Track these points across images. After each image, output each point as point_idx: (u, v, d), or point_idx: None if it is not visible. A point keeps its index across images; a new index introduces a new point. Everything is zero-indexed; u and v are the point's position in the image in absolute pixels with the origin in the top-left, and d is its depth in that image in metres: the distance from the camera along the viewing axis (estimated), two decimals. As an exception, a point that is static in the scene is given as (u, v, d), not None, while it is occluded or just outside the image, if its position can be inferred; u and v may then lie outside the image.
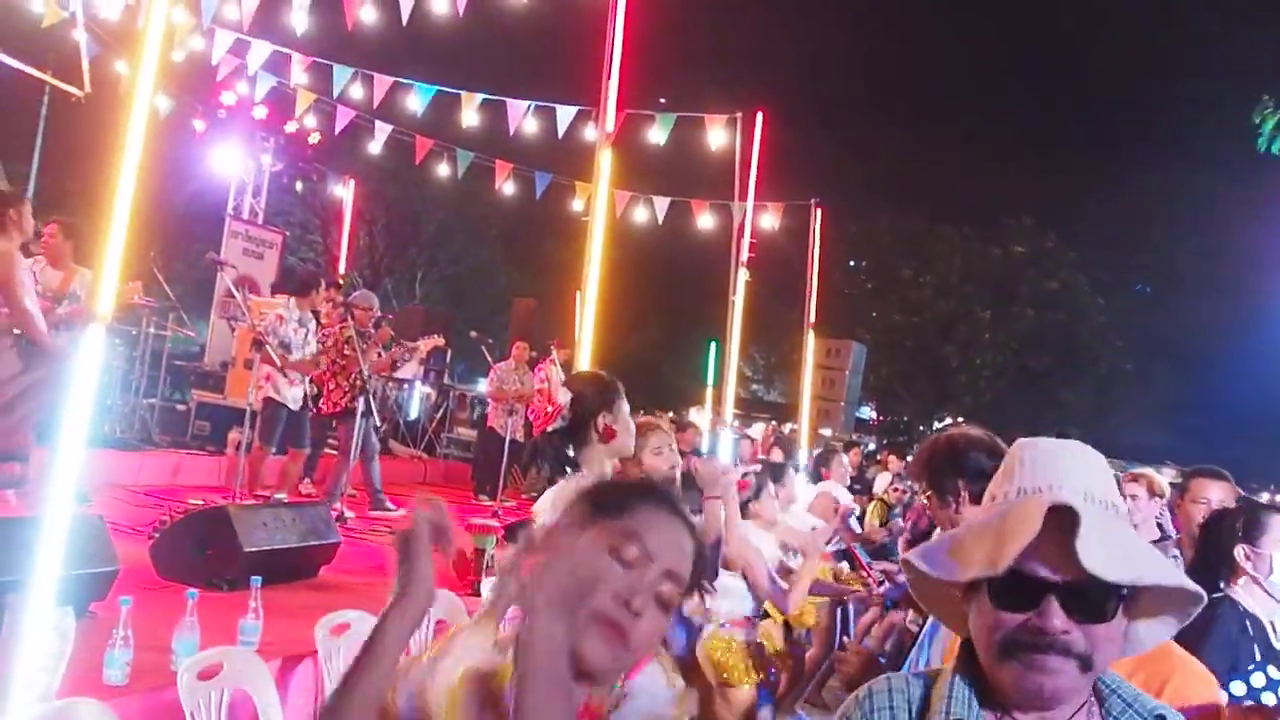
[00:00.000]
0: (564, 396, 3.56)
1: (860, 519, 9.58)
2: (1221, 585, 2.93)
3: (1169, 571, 1.38)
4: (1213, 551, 3.13)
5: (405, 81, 13.22)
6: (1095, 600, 1.33)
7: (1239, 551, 2.70)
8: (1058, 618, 1.31)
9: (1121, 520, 1.42)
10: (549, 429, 3.62)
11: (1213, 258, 29.87)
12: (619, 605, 1.41)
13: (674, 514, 1.53)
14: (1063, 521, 1.31)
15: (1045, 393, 32.77)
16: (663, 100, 14.96)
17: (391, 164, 16.86)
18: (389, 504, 9.39)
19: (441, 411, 15.38)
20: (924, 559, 1.44)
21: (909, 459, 12.36)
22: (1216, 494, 4.44)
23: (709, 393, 16.25)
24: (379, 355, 9.87)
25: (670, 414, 14.69)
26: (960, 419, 30.42)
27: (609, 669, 1.43)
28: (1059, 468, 1.43)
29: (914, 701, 1.43)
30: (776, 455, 11.57)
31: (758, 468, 6.36)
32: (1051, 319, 35.24)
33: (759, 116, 15.51)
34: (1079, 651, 1.32)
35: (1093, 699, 1.40)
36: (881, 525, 9.94)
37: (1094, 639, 1.33)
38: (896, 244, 35.66)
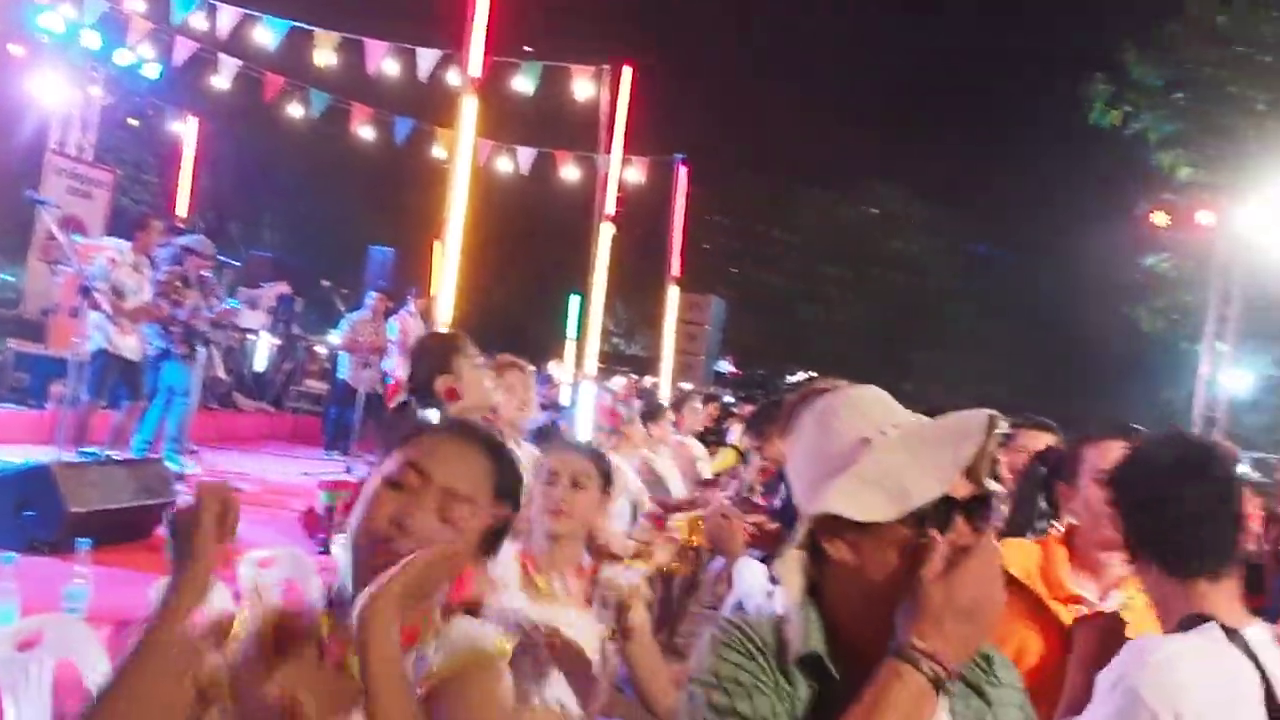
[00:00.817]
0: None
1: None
2: (1042, 527, 2.95)
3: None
4: (1028, 492, 3.15)
5: (255, 14, 12.57)
6: (986, 514, 1.40)
7: (1058, 490, 2.70)
8: (966, 536, 1.36)
9: None
10: (395, 403, 3.52)
11: (1050, 224, 31.22)
12: (392, 526, 1.44)
13: (462, 439, 1.58)
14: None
15: (896, 351, 33.79)
16: (529, 49, 14.65)
17: (239, 102, 16.02)
18: (185, 459, 8.83)
19: (290, 363, 14.83)
20: (846, 505, 1.39)
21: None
22: (1042, 445, 4.54)
23: (570, 346, 16.13)
24: (213, 301, 9.37)
25: (532, 367, 14.50)
26: (813, 374, 31.30)
27: None
28: (842, 404, 1.51)
29: (768, 640, 1.43)
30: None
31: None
32: (903, 280, 36.40)
33: (626, 70, 15.42)
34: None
35: None
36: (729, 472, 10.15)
37: None
38: (759, 202, 36.15)
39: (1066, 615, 2.49)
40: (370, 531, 1.46)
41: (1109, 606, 2.50)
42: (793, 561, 1.46)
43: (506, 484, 1.61)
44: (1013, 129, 34.63)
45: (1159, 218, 14.24)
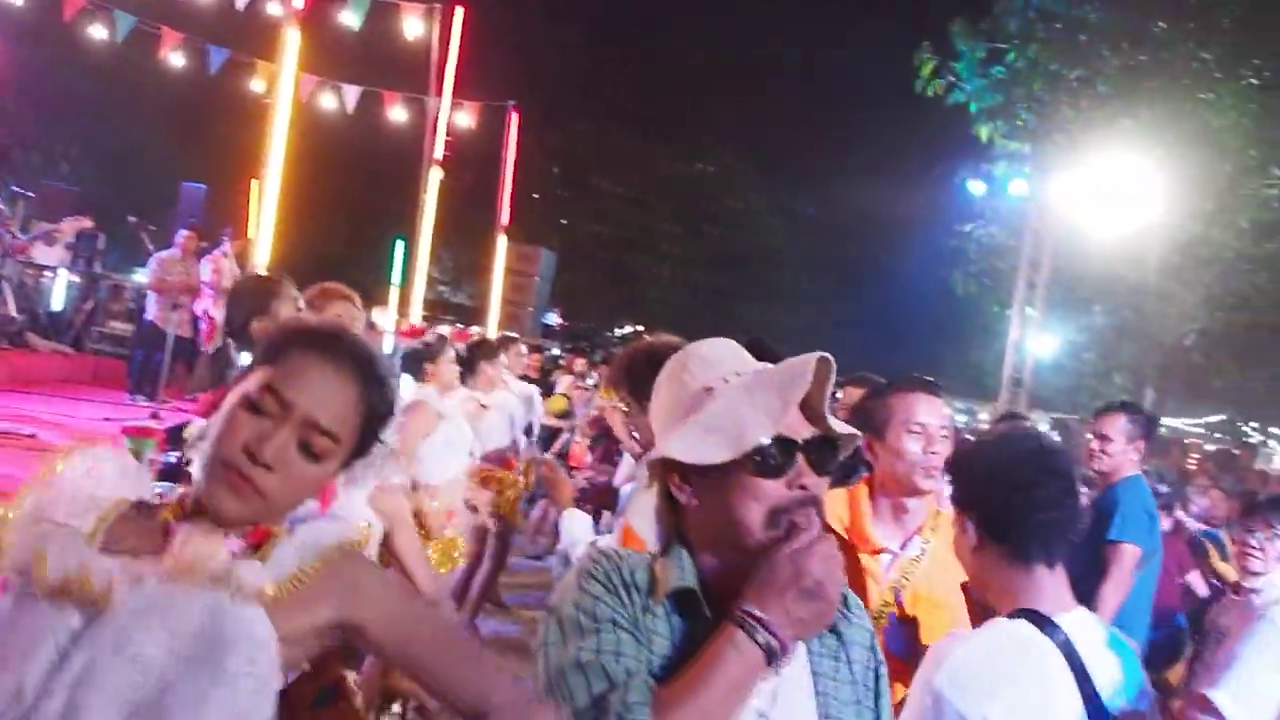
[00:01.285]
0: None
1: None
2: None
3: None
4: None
5: (51, -76, 11.59)
6: (830, 456, 1.46)
7: (861, 443, 2.77)
8: (809, 475, 1.42)
9: None
10: (211, 347, 3.30)
11: (877, 187, 32.29)
12: (243, 454, 1.37)
13: (331, 362, 1.46)
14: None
15: (726, 306, 34.40)
16: (357, -19, 14.00)
17: (34, 21, 14.79)
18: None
19: (91, 303, 13.91)
20: (683, 450, 1.45)
21: (595, 363, 12.57)
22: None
23: (394, 293, 15.70)
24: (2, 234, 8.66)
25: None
26: (641, 328, 31.71)
27: (242, 517, 1.39)
28: (710, 354, 1.57)
29: (640, 576, 1.46)
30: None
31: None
32: (734, 237, 36.98)
33: (458, 11, 14.99)
34: (823, 517, 1.43)
35: None
36: (561, 418, 10.24)
37: (820, 489, 1.44)
38: (593, 154, 35.93)
39: (875, 565, 2.64)
40: (222, 455, 1.38)
41: (910, 554, 2.65)
42: (643, 504, 1.50)
43: (376, 415, 1.50)
44: (844, 94, 35.56)
45: (976, 186, 14.89)
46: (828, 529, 1.49)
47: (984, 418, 19.87)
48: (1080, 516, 2.06)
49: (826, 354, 1.45)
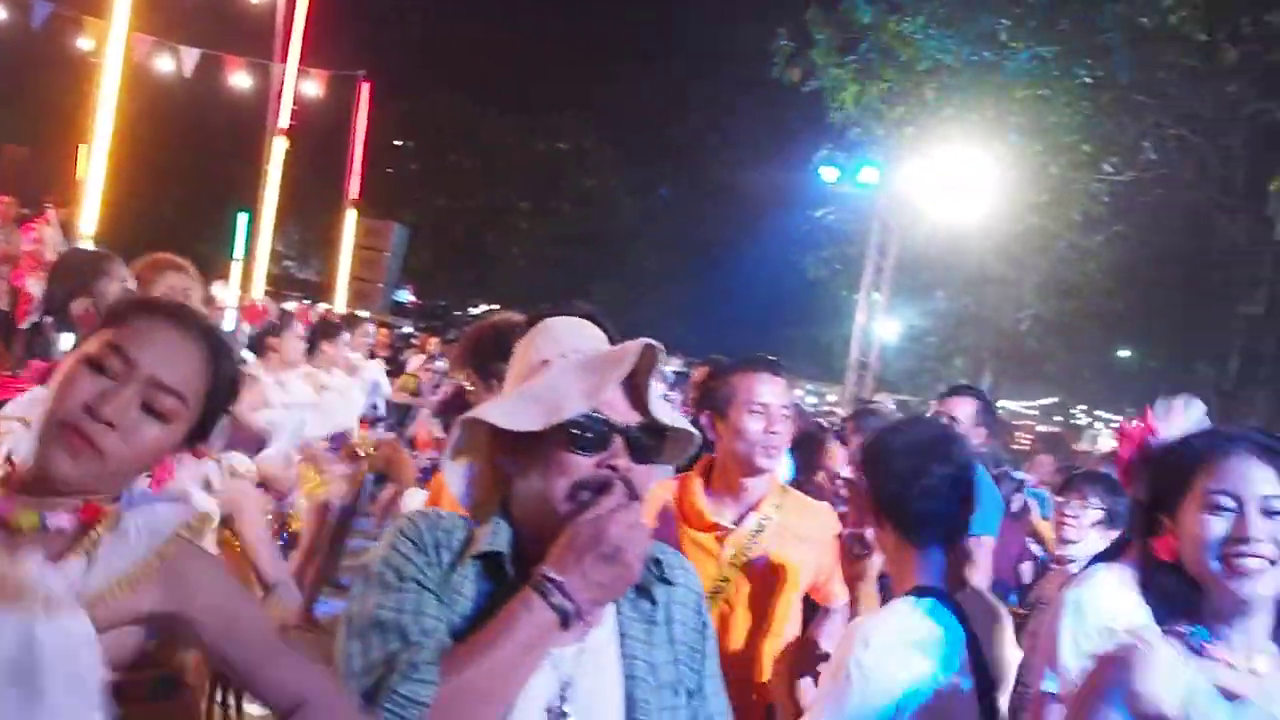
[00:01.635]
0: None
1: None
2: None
3: (685, 422, 1.57)
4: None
5: None
6: (652, 444, 1.50)
7: (703, 420, 2.82)
8: (623, 458, 1.45)
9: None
10: (26, 323, 3.09)
11: (734, 170, 32.62)
12: (85, 411, 1.34)
13: (176, 327, 1.46)
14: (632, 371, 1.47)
15: (581, 285, 34.24)
16: (195, -64, 13.32)
17: None
18: None
19: (-101, 272, 12.88)
20: (498, 415, 1.49)
21: (447, 342, 12.33)
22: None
23: (236, 267, 15.07)
24: None
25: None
26: (496, 306, 31.29)
27: (80, 479, 1.36)
28: (557, 332, 1.60)
29: (456, 538, 1.50)
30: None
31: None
32: (588, 215, 36.79)
33: (306, -27, 14.41)
34: (633, 492, 1.46)
35: None
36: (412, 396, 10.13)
37: (641, 480, 1.48)
38: (447, 127, 35.14)
39: (710, 542, 2.69)
40: (60, 415, 1.35)
41: (746, 529, 2.71)
42: (454, 468, 1.57)
43: (221, 386, 1.50)
44: (704, 77, 35.74)
45: (828, 173, 15.16)
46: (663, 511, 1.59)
47: (832, 399, 20.40)
48: (972, 501, 2.21)
49: (652, 341, 1.48)
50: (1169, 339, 26.97)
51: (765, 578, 2.68)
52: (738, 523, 2.71)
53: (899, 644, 2.01)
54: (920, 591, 2.09)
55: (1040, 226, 15.97)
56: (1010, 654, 2.27)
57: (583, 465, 1.45)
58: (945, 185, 13.43)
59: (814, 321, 23.63)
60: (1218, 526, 1.68)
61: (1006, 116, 15.00)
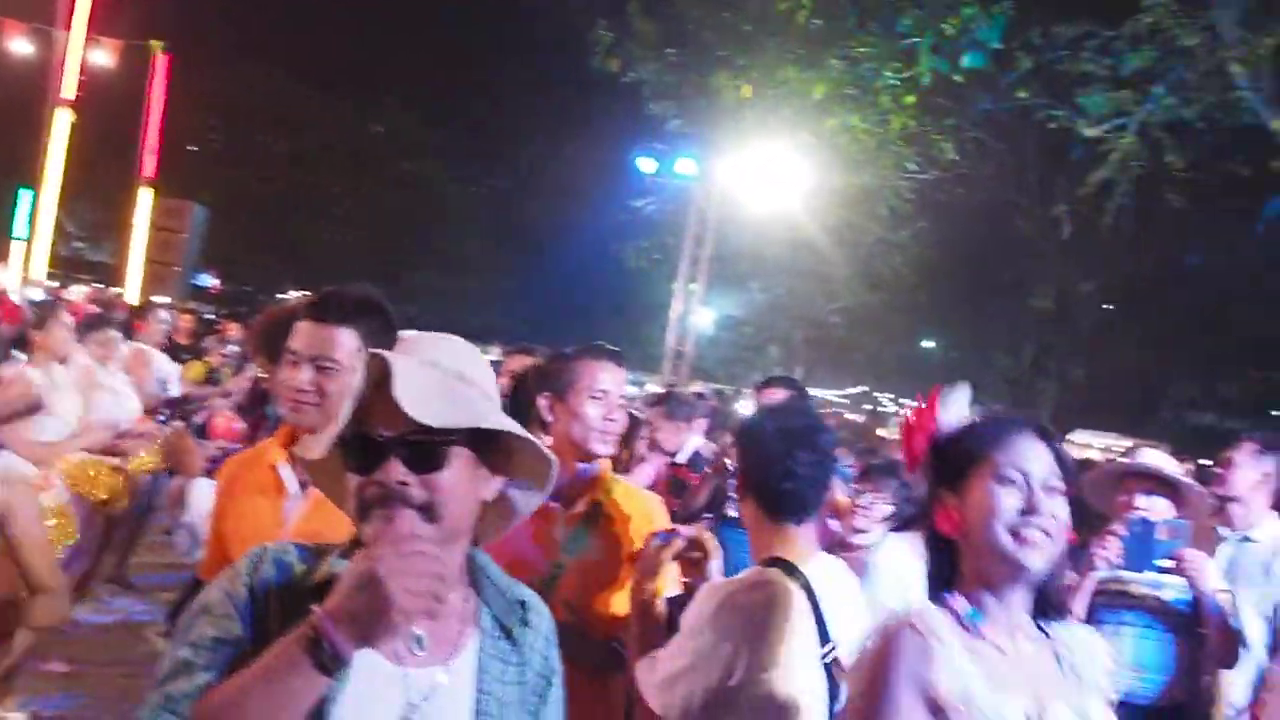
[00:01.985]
0: None
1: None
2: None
3: (497, 420, 1.52)
4: (516, 406, 3.43)
5: None
6: (427, 451, 1.43)
7: (541, 402, 2.86)
8: (395, 470, 1.41)
9: (466, 384, 1.53)
10: None
11: (555, 159, 32.48)
12: None
13: None
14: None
15: (394, 274, 33.42)
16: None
17: None
18: None
19: None
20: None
21: (247, 328, 11.78)
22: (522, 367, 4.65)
23: (19, 247, 14.07)
24: None
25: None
26: (306, 292, 29.98)
27: None
28: (408, 346, 1.55)
29: (302, 568, 1.48)
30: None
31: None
32: (407, 201, 35.78)
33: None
34: (419, 501, 1.42)
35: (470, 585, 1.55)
36: (207, 383, 9.62)
37: (435, 488, 1.43)
38: (256, 105, 33.45)
39: (543, 529, 2.69)
40: None
41: (579, 513, 2.77)
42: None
43: None
44: (526, 65, 35.33)
45: (647, 163, 15.20)
46: None
47: (651, 388, 20.53)
48: (828, 485, 2.48)
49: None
50: (968, 330, 28.50)
51: (598, 565, 2.71)
52: (570, 508, 2.76)
53: (747, 609, 2.26)
54: (772, 562, 2.35)
55: (850, 221, 16.48)
56: (859, 619, 2.39)
57: (356, 484, 1.45)
58: (761, 179, 13.66)
59: (635, 311, 23.78)
60: (1009, 499, 1.75)
61: (818, 113, 15.38)
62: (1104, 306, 20.72)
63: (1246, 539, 4.21)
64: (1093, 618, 3.89)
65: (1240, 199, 16.51)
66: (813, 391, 27.81)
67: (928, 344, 33.40)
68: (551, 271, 32.46)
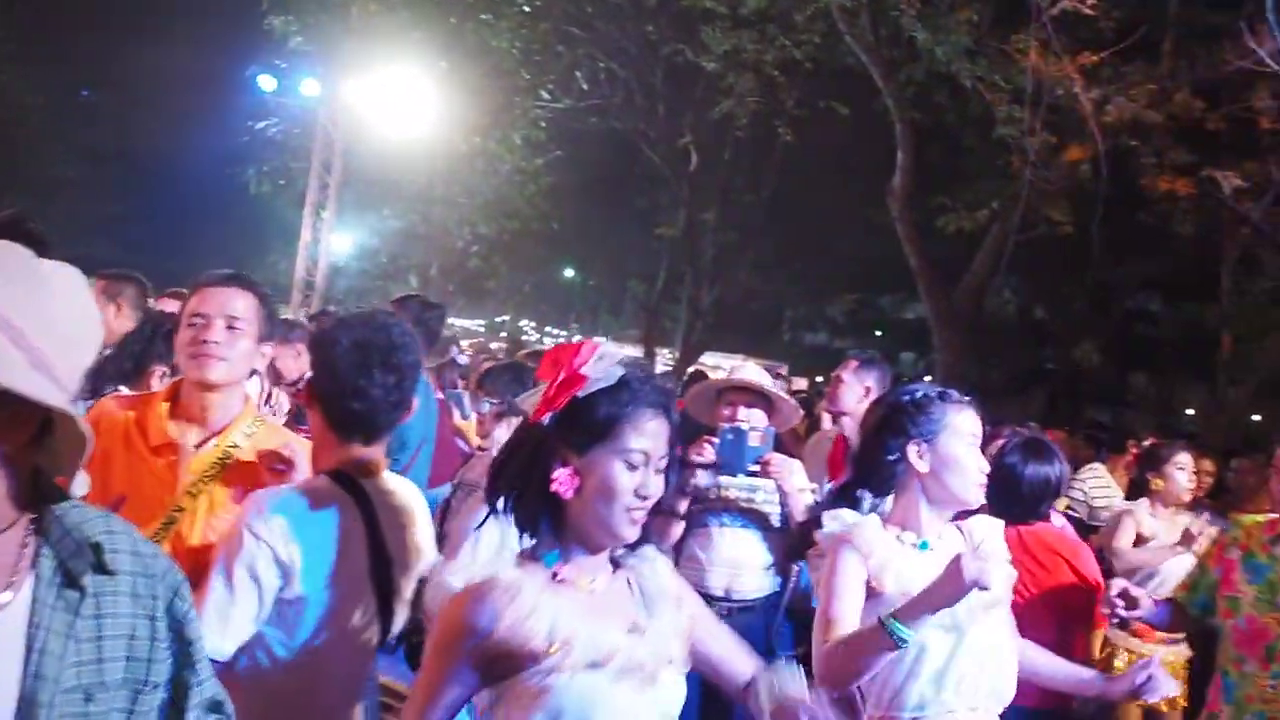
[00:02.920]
0: None
1: None
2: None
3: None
4: (134, 347, 3.65)
5: None
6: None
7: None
8: None
9: None
10: None
11: (164, 76, 29.63)
12: None
13: None
14: None
15: (-23, 197, 29.46)
16: None
17: None
18: None
19: None
20: None
21: None
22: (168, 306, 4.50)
23: None
24: None
25: None
26: None
27: None
28: None
29: None
30: None
31: None
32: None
33: None
34: None
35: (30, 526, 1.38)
36: None
37: None
38: None
39: (161, 464, 2.54)
40: None
41: (206, 454, 2.57)
42: None
43: None
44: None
45: (267, 82, 14.22)
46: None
47: (287, 316, 19.41)
48: (403, 408, 2.36)
49: None
50: (606, 259, 29.39)
51: (225, 508, 2.51)
52: (199, 446, 2.58)
53: (296, 516, 2.18)
54: (331, 475, 2.29)
55: (484, 148, 16.37)
56: (422, 540, 2.39)
57: None
58: (390, 102, 13.15)
59: (263, 239, 22.41)
60: (631, 481, 1.82)
61: (451, 38, 15.06)
62: (728, 234, 21.99)
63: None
64: (694, 521, 4.16)
65: (837, 135, 18.00)
66: (454, 320, 27.70)
67: (568, 272, 34.17)
68: (164, 196, 29.85)
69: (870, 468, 2.54)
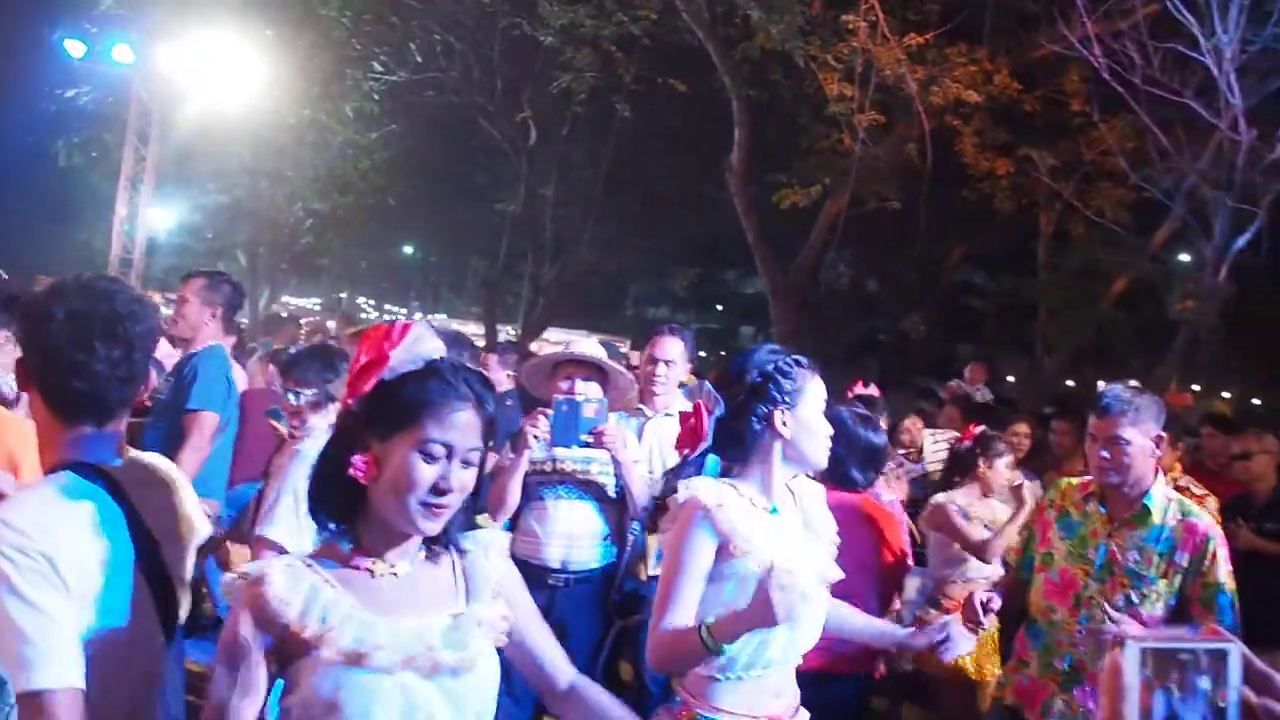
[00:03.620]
0: None
1: None
2: None
3: None
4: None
5: None
6: None
7: None
8: None
9: None
10: None
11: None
12: None
13: None
14: None
15: None
16: None
17: None
18: None
19: None
20: None
21: None
22: None
23: None
24: None
25: None
26: None
27: None
28: None
29: None
30: None
31: None
32: None
33: None
34: None
35: None
36: None
37: None
38: None
39: None
40: None
41: None
42: None
43: None
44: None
45: (75, 48, 13.32)
46: None
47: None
48: (135, 384, 2.07)
49: None
50: (446, 235, 28.88)
51: None
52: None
53: (47, 522, 1.84)
54: (69, 467, 1.96)
55: (314, 120, 15.80)
56: (189, 510, 2.16)
57: None
58: (211, 70, 12.50)
59: (74, 215, 21.10)
60: (428, 473, 1.77)
61: (277, 5, 14.44)
62: (568, 209, 21.90)
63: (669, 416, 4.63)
64: (529, 494, 4.13)
65: (676, 111, 18.12)
66: (288, 299, 26.76)
67: (407, 249, 33.47)
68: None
69: (734, 433, 2.51)
